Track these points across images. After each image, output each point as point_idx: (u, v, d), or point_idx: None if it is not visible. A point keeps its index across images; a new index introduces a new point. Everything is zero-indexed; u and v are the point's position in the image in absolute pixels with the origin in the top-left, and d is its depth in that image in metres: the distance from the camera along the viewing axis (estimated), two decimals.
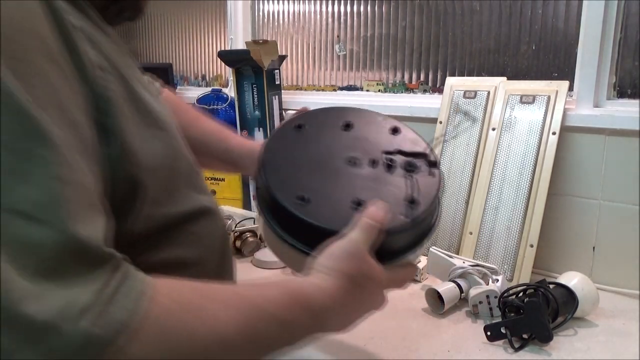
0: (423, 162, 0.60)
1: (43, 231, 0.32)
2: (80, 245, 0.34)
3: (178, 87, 1.91)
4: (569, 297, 0.82)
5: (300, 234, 0.54)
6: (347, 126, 0.65)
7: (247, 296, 0.44)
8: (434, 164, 0.60)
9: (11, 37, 0.35)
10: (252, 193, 1.46)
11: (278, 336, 0.45)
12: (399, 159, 0.60)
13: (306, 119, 0.65)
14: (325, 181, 0.57)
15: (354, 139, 0.63)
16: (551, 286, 0.83)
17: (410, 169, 0.59)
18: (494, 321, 0.82)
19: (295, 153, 0.59)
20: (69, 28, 0.39)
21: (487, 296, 0.84)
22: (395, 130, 0.64)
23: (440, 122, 1.16)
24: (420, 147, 0.62)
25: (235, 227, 1.17)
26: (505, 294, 0.83)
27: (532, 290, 0.82)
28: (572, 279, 0.85)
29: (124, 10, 0.53)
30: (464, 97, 1.14)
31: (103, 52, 0.42)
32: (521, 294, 0.83)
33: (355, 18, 1.43)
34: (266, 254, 1.07)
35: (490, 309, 0.85)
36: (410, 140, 0.63)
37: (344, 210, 0.54)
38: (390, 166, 0.59)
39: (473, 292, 0.85)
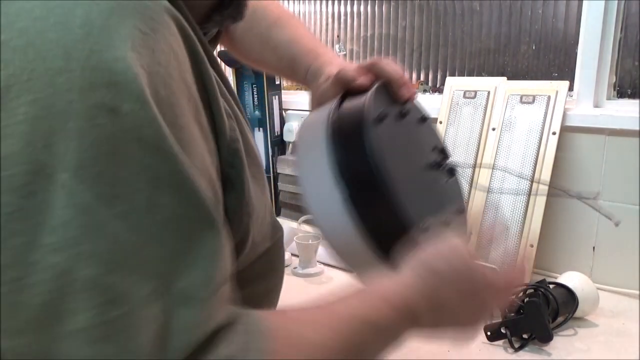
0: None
1: (196, 314, 0.31)
2: (215, 328, 0.33)
3: None
4: (569, 297, 0.82)
5: (385, 231, 0.48)
6: (423, 120, 0.62)
7: (336, 312, 0.41)
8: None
9: (170, 100, 0.31)
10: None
11: (374, 340, 0.42)
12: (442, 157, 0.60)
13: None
14: (416, 179, 0.54)
15: (427, 134, 0.61)
16: (551, 286, 0.83)
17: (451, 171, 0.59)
18: (494, 321, 0.82)
19: (395, 141, 0.53)
20: (206, 76, 0.35)
21: None
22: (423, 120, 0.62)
23: (440, 122, 1.16)
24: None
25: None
26: None
27: (532, 290, 0.82)
28: (572, 279, 0.85)
29: (226, 18, 0.46)
30: (464, 97, 1.14)
31: (226, 96, 0.40)
32: (521, 294, 0.83)
33: (355, 18, 1.43)
34: None
35: None
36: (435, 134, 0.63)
37: (430, 211, 0.51)
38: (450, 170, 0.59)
39: None
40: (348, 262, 0.53)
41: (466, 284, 0.46)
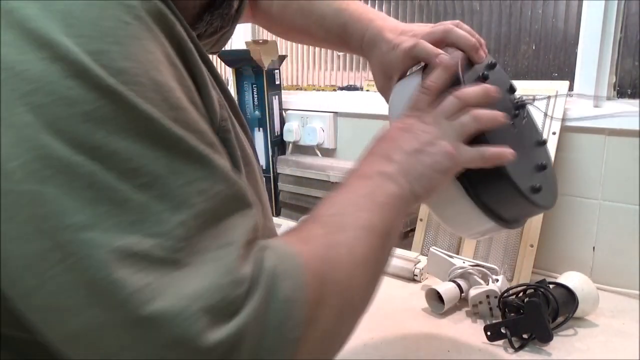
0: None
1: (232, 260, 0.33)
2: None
3: None
4: (569, 297, 0.82)
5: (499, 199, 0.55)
6: (493, 66, 0.63)
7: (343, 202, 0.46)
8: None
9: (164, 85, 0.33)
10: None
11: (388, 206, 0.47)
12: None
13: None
14: (510, 133, 0.59)
15: (500, 77, 0.64)
16: (551, 286, 0.83)
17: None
18: (494, 321, 0.82)
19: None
20: (196, 69, 0.36)
21: (487, 296, 0.84)
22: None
23: None
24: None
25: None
26: (505, 294, 0.83)
27: (532, 290, 0.82)
28: (572, 279, 0.85)
29: (216, 17, 0.47)
30: None
31: (218, 92, 0.41)
32: (521, 294, 0.83)
33: None
34: None
35: (490, 309, 0.85)
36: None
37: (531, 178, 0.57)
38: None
39: (473, 292, 0.85)
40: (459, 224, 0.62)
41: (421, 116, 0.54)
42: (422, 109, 0.54)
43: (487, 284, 0.87)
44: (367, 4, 1.39)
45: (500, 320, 0.80)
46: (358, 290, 0.43)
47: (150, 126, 0.31)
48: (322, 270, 0.38)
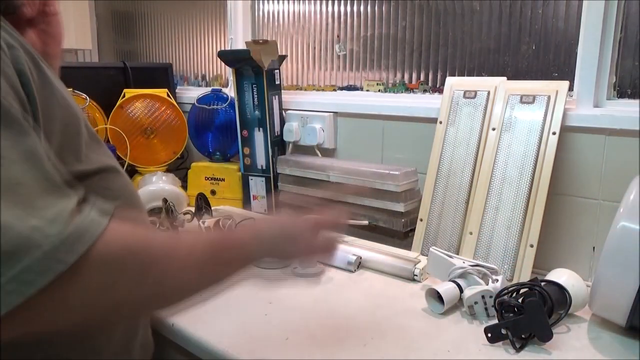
0: None
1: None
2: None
3: (178, 87, 1.91)
4: (561, 294, 0.82)
5: None
6: None
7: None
8: None
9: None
10: (251, 193, 1.46)
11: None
12: None
13: None
14: None
15: None
16: (542, 284, 0.83)
17: None
18: (489, 321, 0.82)
19: None
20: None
21: (483, 296, 0.84)
22: None
23: (440, 122, 1.16)
24: None
25: (235, 227, 1.17)
26: (500, 294, 0.83)
27: (527, 289, 0.82)
28: (561, 276, 0.85)
29: None
30: (464, 97, 1.14)
31: (6, 30, 0.51)
32: (515, 293, 0.83)
33: (355, 18, 1.43)
34: None
35: (486, 309, 0.85)
36: None
37: None
38: None
39: (468, 292, 0.85)
40: None
41: (287, 223, 0.67)
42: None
43: (487, 284, 0.87)
44: (367, 3, 1.39)
45: (495, 319, 0.80)
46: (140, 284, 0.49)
47: None
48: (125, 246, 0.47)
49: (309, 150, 1.44)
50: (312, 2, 1.52)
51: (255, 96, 1.39)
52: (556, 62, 1.11)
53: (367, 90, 1.43)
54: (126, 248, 0.47)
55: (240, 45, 1.64)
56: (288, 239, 0.66)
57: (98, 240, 0.44)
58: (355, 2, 1.42)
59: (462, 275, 0.90)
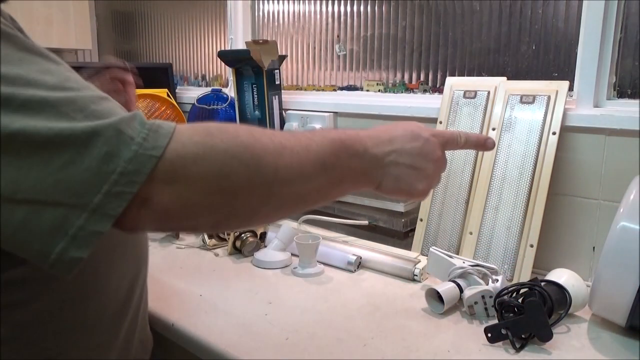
0: None
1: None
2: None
3: (178, 87, 1.91)
4: (561, 294, 0.82)
5: None
6: None
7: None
8: None
9: None
10: None
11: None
12: None
13: None
14: None
15: None
16: (542, 284, 0.83)
17: None
18: (489, 321, 0.82)
19: None
20: None
21: (483, 296, 0.84)
22: None
23: (440, 122, 1.16)
24: None
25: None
26: (500, 294, 0.83)
27: (527, 289, 0.82)
28: (561, 276, 0.85)
29: None
30: (464, 97, 1.14)
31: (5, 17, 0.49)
32: (515, 293, 0.83)
33: (355, 18, 1.43)
34: (266, 254, 1.07)
35: (486, 309, 0.85)
36: None
37: None
38: None
39: (468, 292, 0.85)
40: None
41: (413, 128, 0.58)
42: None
43: (487, 284, 0.87)
44: (367, 3, 1.39)
45: (495, 319, 0.80)
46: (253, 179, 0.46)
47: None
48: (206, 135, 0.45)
49: None
50: (312, 2, 1.52)
51: (255, 96, 1.39)
52: (556, 62, 1.11)
53: (367, 90, 1.43)
54: (223, 136, 0.45)
55: (240, 45, 1.64)
56: (422, 152, 0.57)
57: (175, 130, 0.44)
58: (355, 2, 1.42)
59: (462, 275, 0.90)
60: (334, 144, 0.52)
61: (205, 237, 1.15)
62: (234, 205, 0.46)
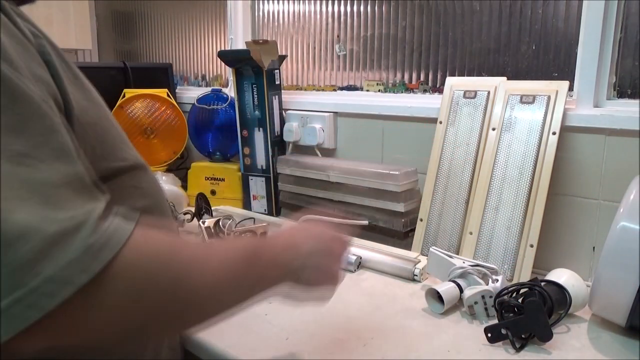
0: None
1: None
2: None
3: (178, 87, 1.91)
4: (561, 294, 0.82)
5: None
6: None
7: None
8: None
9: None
10: (251, 193, 1.46)
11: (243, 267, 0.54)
12: None
13: None
14: None
15: None
16: (543, 284, 0.83)
17: None
18: (489, 321, 0.82)
19: None
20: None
21: (483, 296, 0.84)
22: None
23: (440, 122, 1.16)
24: None
25: (235, 227, 1.17)
26: (500, 294, 0.83)
27: (527, 290, 0.82)
28: (561, 276, 0.85)
29: None
30: (464, 97, 1.14)
31: (28, 21, 0.50)
32: (515, 293, 0.83)
33: (355, 18, 1.43)
34: None
35: (486, 309, 0.85)
36: None
37: None
38: None
39: (468, 292, 0.85)
40: None
41: (316, 232, 0.66)
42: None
43: (487, 284, 0.87)
44: (367, 3, 1.39)
45: (495, 319, 0.80)
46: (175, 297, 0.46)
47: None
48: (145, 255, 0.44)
49: (309, 151, 1.44)
50: (312, 2, 1.52)
51: (255, 96, 1.39)
52: (556, 62, 1.11)
53: (367, 90, 1.43)
54: (154, 257, 0.44)
55: (240, 45, 1.64)
56: (325, 252, 0.64)
57: (124, 247, 0.41)
58: (355, 2, 1.42)
59: (462, 275, 0.90)
60: (247, 253, 0.55)
61: (205, 237, 1.15)
62: (147, 332, 0.48)
